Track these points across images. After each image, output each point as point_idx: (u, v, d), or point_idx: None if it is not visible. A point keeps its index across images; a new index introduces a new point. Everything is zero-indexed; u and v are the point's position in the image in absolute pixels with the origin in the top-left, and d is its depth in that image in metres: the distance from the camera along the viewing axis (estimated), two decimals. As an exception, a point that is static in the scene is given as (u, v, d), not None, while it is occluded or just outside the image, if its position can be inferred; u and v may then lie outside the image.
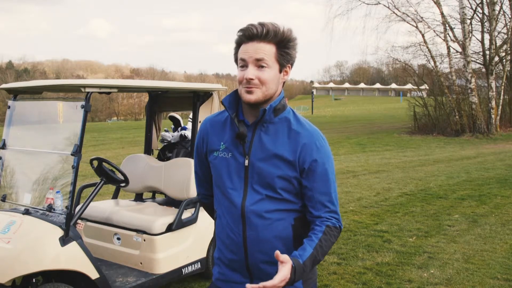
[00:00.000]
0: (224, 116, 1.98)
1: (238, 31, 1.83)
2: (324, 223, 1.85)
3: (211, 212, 2.18)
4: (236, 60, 1.86)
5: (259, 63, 1.80)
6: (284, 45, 1.82)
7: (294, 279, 1.71)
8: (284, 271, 1.67)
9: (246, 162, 1.87)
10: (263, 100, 1.84)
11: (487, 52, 22.22)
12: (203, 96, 4.72)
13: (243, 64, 1.82)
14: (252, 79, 1.79)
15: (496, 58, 22.29)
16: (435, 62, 22.74)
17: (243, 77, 1.81)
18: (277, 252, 1.68)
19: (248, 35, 1.80)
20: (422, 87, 25.69)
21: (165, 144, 5.51)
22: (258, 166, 1.85)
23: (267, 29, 1.78)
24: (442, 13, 22.02)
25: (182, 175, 4.54)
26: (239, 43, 1.84)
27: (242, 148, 1.88)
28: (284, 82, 1.92)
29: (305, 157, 1.84)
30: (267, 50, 1.80)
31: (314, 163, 1.85)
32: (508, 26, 22.72)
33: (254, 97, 1.82)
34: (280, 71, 1.86)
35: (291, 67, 1.90)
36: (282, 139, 1.87)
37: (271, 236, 1.85)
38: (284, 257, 1.69)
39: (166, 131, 5.66)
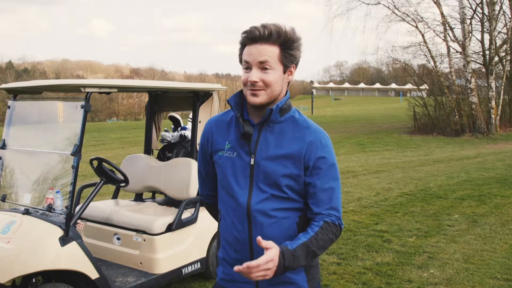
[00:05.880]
0: (229, 116, 1.99)
1: (242, 33, 1.85)
2: (323, 219, 1.86)
3: (214, 213, 2.18)
4: (240, 61, 1.88)
5: (263, 66, 1.81)
6: (288, 46, 1.83)
7: (284, 264, 1.69)
8: (270, 253, 1.66)
9: (252, 161, 1.88)
10: (269, 101, 1.86)
11: (487, 52, 22.24)
12: (203, 96, 4.72)
13: (247, 66, 1.83)
14: (256, 81, 1.81)
15: (496, 58, 22.32)
16: (435, 62, 22.76)
17: (247, 79, 1.82)
18: (259, 238, 1.67)
19: (251, 37, 1.81)
20: (422, 87, 25.69)
21: (165, 144, 5.51)
22: (264, 164, 1.86)
23: (269, 31, 1.79)
24: (442, 13, 22.04)
25: (182, 175, 4.54)
26: (243, 44, 1.86)
27: (248, 147, 1.89)
28: (289, 82, 1.93)
29: (310, 154, 1.86)
30: (270, 52, 1.80)
31: (318, 160, 1.86)
32: (508, 26, 22.75)
33: (259, 100, 1.83)
34: (284, 72, 1.87)
35: (296, 67, 1.91)
36: (287, 138, 1.88)
37: (277, 235, 1.85)
38: (268, 243, 1.67)
39: (166, 131, 5.66)
